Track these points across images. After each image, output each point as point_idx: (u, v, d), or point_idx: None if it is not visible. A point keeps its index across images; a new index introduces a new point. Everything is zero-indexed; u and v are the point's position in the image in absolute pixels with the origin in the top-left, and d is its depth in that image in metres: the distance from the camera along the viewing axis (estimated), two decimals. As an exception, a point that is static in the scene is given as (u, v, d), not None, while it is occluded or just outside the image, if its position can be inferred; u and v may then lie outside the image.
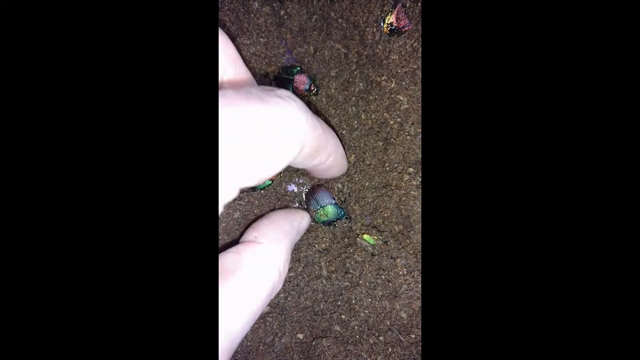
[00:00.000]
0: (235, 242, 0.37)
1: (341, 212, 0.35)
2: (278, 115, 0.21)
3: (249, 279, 0.27)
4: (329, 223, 0.35)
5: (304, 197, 0.37)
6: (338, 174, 0.34)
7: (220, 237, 0.35)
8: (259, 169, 0.21)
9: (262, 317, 0.35)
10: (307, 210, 0.36)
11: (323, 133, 0.25)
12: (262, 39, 0.35)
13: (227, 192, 0.20)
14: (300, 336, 0.35)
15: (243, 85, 0.27)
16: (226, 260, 0.28)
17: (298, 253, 0.35)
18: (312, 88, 0.35)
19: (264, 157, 0.21)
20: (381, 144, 0.36)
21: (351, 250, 0.35)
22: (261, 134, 0.20)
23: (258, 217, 0.34)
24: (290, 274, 0.35)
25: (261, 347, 0.35)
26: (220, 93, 0.20)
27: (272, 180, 0.36)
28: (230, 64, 0.26)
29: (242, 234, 0.33)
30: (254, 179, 0.21)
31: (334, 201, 0.35)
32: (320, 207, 0.35)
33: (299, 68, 0.36)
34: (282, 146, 0.21)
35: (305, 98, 0.36)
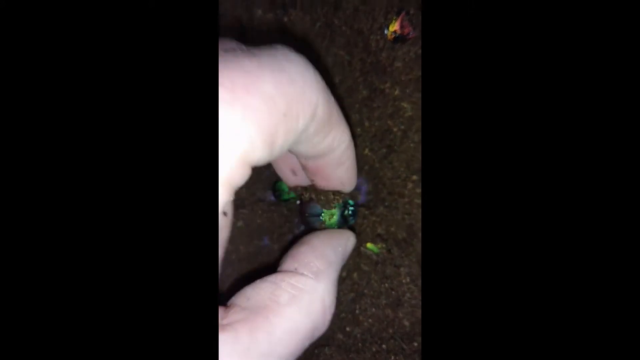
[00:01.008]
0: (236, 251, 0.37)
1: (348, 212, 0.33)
2: (289, 70, 0.20)
3: (287, 315, 0.23)
4: (345, 221, 0.33)
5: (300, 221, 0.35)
6: (347, 181, 0.30)
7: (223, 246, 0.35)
8: (275, 132, 0.19)
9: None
10: (311, 228, 0.34)
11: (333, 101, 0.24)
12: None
13: (240, 171, 0.18)
14: (303, 344, 0.35)
15: None
16: (260, 293, 0.24)
17: None
18: (315, 95, 0.35)
19: (280, 117, 0.19)
20: (385, 151, 0.36)
21: (357, 260, 0.35)
22: (276, 91, 0.19)
23: (294, 243, 0.30)
24: None
25: (264, 355, 0.35)
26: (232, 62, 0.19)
27: (295, 194, 0.34)
28: None
29: (277, 260, 0.30)
30: (273, 147, 0.19)
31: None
32: (323, 212, 0.33)
33: (302, 75, 0.35)
34: (298, 100, 0.20)
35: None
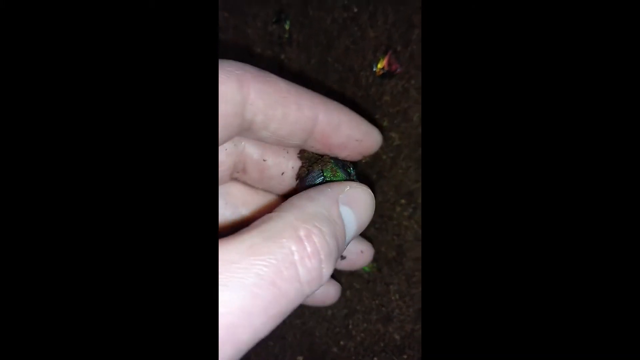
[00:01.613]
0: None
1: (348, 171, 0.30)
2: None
3: (242, 238, 0.19)
4: (348, 175, 0.30)
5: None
6: (359, 134, 0.28)
7: None
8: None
9: (264, 342, 0.37)
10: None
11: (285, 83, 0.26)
12: (264, 82, 0.38)
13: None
14: (300, 358, 0.37)
15: None
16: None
17: None
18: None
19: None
20: (375, 177, 0.38)
21: (349, 279, 0.37)
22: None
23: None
24: None
25: (263, 368, 0.37)
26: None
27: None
28: None
29: None
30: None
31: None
32: (323, 171, 0.30)
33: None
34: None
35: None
